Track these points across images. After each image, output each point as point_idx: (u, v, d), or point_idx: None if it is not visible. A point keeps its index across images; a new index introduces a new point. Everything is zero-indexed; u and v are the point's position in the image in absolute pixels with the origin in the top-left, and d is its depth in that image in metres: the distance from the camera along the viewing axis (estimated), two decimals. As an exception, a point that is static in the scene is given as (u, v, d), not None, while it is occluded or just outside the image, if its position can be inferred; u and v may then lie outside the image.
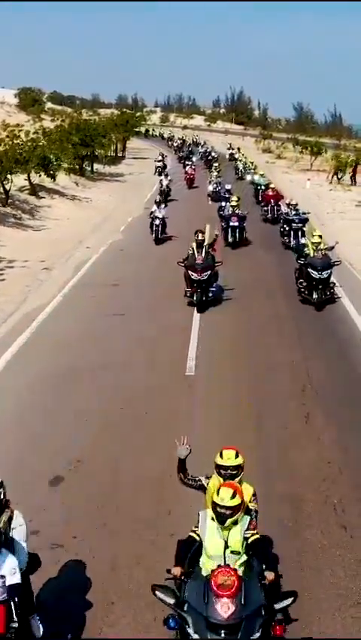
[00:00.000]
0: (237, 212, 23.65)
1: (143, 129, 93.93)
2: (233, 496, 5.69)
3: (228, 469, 6.35)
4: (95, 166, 44.60)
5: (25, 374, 12.30)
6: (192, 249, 16.64)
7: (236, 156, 55.76)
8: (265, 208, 28.51)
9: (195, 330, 14.67)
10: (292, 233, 22.74)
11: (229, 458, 6.39)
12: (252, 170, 41.94)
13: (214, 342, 14.01)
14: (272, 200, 28.02)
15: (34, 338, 14.08)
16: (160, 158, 48.80)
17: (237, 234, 23.31)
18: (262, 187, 32.30)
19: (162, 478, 8.86)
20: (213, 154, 56.18)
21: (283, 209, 25.43)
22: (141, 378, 12.18)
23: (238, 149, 62.28)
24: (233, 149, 61.99)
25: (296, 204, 24.34)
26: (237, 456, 6.41)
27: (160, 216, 24.36)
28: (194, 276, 16.17)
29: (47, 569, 7.18)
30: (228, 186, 30.94)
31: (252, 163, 46.13)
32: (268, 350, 13.57)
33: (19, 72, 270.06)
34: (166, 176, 35.00)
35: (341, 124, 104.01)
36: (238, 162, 48.44)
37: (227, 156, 59.33)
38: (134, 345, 13.78)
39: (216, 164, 43.52)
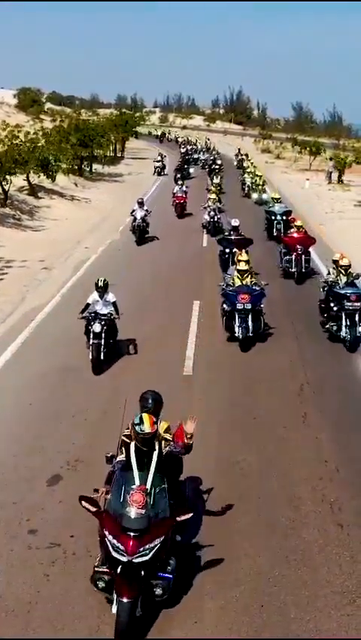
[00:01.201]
0: (248, 283, 14.37)
1: (159, 132, 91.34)
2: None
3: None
4: (94, 166, 44.61)
5: (24, 374, 12.33)
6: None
7: (244, 165, 45.91)
8: (287, 257, 19.04)
9: (194, 330, 14.70)
10: (347, 319, 13.73)
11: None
12: (260, 187, 35.41)
13: (213, 341, 14.04)
14: (299, 247, 18.83)
15: (33, 338, 14.11)
16: (159, 158, 48.81)
17: (249, 326, 13.75)
18: (279, 217, 23.79)
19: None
20: (218, 161, 47.20)
21: (326, 273, 15.88)
22: (139, 378, 12.19)
23: (247, 155, 52.71)
24: (241, 155, 53.01)
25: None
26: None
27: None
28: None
29: (44, 568, 7.23)
30: (235, 222, 20.11)
31: (260, 177, 37.15)
32: (267, 351, 13.62)
33: (18, 72, 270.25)
34: (141, 205, 24.54)
35: (340, 123, 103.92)
36: (246, 175, 38.54)
37: (234, 163, 52.02)
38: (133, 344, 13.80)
39: (218, 180, 35.96)
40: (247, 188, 36.61)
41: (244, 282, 14.26)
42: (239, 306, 13.58)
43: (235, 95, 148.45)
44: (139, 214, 23.77)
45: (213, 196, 26.86)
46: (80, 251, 22.38)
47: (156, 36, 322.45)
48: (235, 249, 17.72)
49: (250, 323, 13.67)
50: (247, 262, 14.74)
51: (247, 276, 14.43)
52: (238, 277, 14.36)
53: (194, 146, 66.70)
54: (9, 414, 10.82)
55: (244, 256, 14.90)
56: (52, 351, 13.46)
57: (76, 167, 39.06)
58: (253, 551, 7.54)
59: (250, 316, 13.68)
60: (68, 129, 40.05)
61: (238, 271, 14.45)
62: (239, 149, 57.89)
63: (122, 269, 19.88)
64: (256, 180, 36.24)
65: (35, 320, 15.12)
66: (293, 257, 18.81)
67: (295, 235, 19.45)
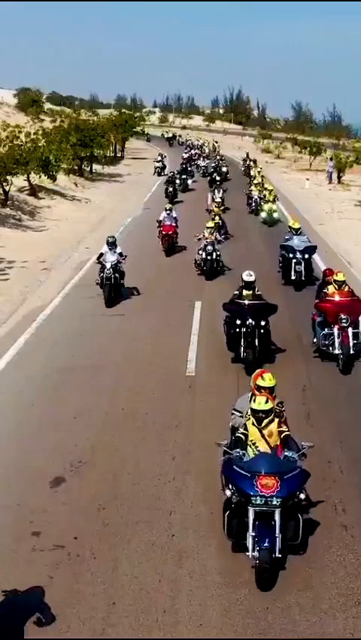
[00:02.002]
0: (273, 443, 7.76)
1: (167, 133, 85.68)
2: (266, 402, 7.61)
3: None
4: (94, 166, 44.60)
5: (25, 374, 12.31)
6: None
7: (251, 173, 38.89)
8: (326, 332, 12.86)
9: (196, 330, 14.68)
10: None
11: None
12: (270, 203, 28.03)
13: (215, 342, 14.02)
14: (344, 317, 12.66)
15: (33, 338, 14.09)
16: (159, 158, 48.78)
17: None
18: (299, 255, 18.05)
19: (163, 479, 8.89)
20: (224, 169, 41.58)
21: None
22: (141, 379, 12.19)
23: (255, 162, 46.20)
24: (249, 160, 46.86)
25: None
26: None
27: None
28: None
29: (48, 570, 7.22)
30: (248, 276, 13.16)
31: (270, 191, 29.66)
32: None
33: (17, 72, 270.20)
34: (113, 247, 16.90)
35: (340, 123, 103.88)
36: (253, 188, 31.78)
37: (241, 168, 47.05)
38: (134, 345, 13.78)
39: (220, 195, 29.19)
40: (254, 204, 30.08)
41: (266, 441, 7.67)
42: (258, 501, 7.06)
43: (234, 94, 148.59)
44: (110, 259, 16.51)
45: (211, 224, 20.60)
46: (80, 251, 22.37)
47: (155, 36, 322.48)
48: (249, 320, 12.36)
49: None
50: (272, 391, 8.08)
51: (269, 422, 7.71)
52: (254, 424, 7.70)
53: (199, 151, 58.03)
54: (11, 415, 10.80)
55: (266, 380, 8.08)
56: (53, 351, 13.44)
57: (76, 168, 39.03)
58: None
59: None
60: (68, 129, 40.02)
61: (255, 414, 7.64)
62: (247, 154, 51.25)
63: (125, 270, 19.83)
64: (265, 195, 29.29)
65: (36, 321, 15.10)
66: (336, 332, 12.62)
67: (337, 298, 13.00)
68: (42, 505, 8.34)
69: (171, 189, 32.93)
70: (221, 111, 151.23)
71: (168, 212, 22.55)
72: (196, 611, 6.67)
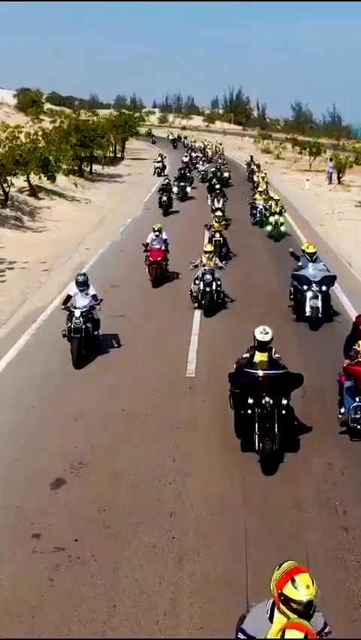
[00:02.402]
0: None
1: (172, 135, 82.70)
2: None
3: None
4: (94, 167, 44.60)
5: (26, 375, 12.30)
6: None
7: (254, 178, 35.88)
8: (358, 402, 9.85)
9: (196, 331, 14.68)
10: None
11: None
12: (276, 215, 24.68)
13: (215, 343, 14.03)
14: None
15: (34, 339, 14.09)
16: (159, 159, 48.75)
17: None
18: (315, 287, 14.99)
19: (163, 480, 8.88)
20: (225, 174, 38.41)
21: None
22: (141, 380, 12.18)
23: (259, 166, 42.14)
24: (253, 164, 43.63)
25: None
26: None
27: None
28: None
29: (49, 572, 7.21)
30: (263, 334, 9.84)
31: (276, 201, 25.39)
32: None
33: (17, 72, 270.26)
34: (83, 288, 13.16)
35: (340, 124, 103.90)
36: (257, 196, 28.15)
37: (246, 172, 43.72)
38: (134, 346, 13.77)
39: (220, 205, 26.27)
40: (258, 214, 26.77)
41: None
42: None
43: (234, 95, 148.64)
44: (80, 304, 12.91)
45: (210, 248, 17.26)
46: (80, 252, 22.37)
47: (155, 36, 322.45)
48: (266, 399, 9.19)
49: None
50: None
51: None
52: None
53: (201, 154, 53.95)
54: (11, 416, 10.79)
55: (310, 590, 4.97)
56: (53, 352, 13.42)
57: (76, 168, 39.03)
58: (257, 555, 7.50)
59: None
60: (68, 130, 40.02)
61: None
62: (251, 157, 47.65)
63: (122, 270, 19.84)
64: (270, 205, 25.29)
65: (37, 321, 15.10)
66: None
67: None
68: (42, 506, 8.33)
69: (165, 198, 28.98)
70: (221, 111, 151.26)
71: (156, 233, 18.72)
72: (197, 613, 6.67)
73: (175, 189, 32.22)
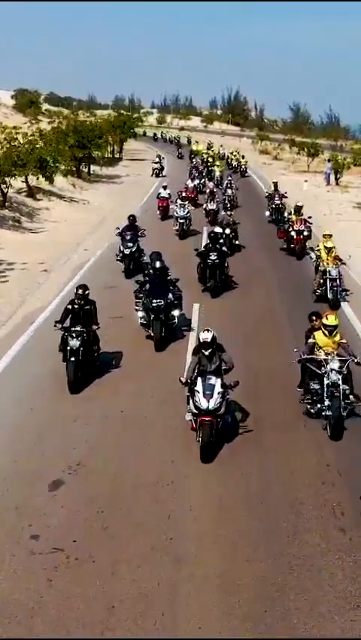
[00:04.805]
0: None
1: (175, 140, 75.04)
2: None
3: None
4: (92, 168, 44.60)
5: (25, 377, 12.32)
6: None
7: (291, 232, 22.10)
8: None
9: (195, 331, 14.69)
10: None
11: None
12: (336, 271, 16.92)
13: (214, 309, 14.06)
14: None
15: (33, 341, 14.10)
16: (157, 160, 48.75)
17: None
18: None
19: (161, 482, 8.91)
20: (230, 199, 29.87)
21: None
22: (140, 382, 12.21)
23: (281, 196, 28.35)
24: (279, 196, 28.21)
25: None
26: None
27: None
28: None
29: (47, 573, 7.23)
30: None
31: (331, 251, 17.41)
32: (268, 354, 13.63)
33: (15, 73, 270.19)
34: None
35: (337, 125, 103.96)
36: (322, 267, 17.32)
37: (267, 213, 27.95)
38: (132, 347, 13.79)
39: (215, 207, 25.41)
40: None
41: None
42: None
43: (232, 95, 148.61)
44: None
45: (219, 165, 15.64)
46: (79, 253, 22.38)
47: (154, 36, 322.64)
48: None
49: None
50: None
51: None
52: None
53: (211, 183, 33.72)
54: (10, 418, 10.81)
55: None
56: (52, 354, 13.37)
57: (74, 169, 39.04)
58: (255, 557, 7.55)
59: None
60: (66, 130, 40.02)
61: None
62: (275, 184, 29.88)
63: (120, 271, 19.84)
64: (321, 255, 17.67)
65: (35, 323, 15.11)
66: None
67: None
68: (41, 508, 8.35)
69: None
70: (219, 112, 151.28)
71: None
72: (195, 614, 6.70)
73: (177, 226, 25.53)
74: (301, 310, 14.40)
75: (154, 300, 13.85)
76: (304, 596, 6.96)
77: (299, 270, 20.92)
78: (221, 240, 18.87)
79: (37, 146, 29.69)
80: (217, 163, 43.14)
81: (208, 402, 9.52)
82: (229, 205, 25.61)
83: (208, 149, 55.89)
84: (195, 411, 9.66)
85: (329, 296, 16.77)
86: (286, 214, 24.93)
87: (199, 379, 9.81)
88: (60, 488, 8.80)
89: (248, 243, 23.67)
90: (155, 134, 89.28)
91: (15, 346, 13.69)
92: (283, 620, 6.65)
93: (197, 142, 66.88)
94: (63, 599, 6.86)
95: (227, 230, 21.56)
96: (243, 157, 50.40)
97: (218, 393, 9.64)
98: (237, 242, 22.71)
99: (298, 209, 22.62)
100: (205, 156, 49.09)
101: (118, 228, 20.25)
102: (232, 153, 54.47)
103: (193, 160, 50.24)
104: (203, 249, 18.51)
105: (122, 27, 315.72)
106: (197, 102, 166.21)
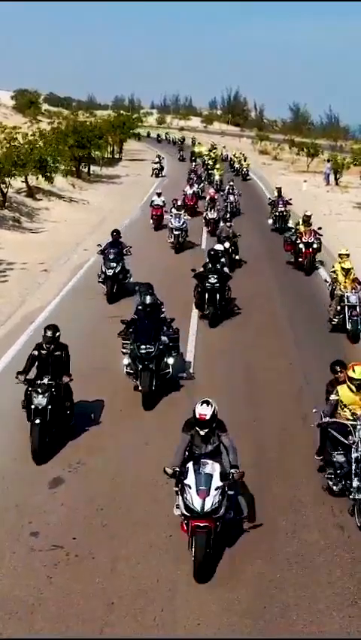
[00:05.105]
0: None
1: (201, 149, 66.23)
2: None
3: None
4: (92, 168, 44.65)
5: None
6: None
7: (281, 211, 26.01)
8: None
9: (193, 331, 14.75)
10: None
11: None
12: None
13: (212, 343, 14.09)
14: None
15: (33, 340, 14.06)
16: (157, 160, 48.82)
17: None
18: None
19: (160, 480, 8.93)
20: (232, 206, 28.36)
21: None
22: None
23: (288, 202, 26.78)
24: (284, 204, 26.47)
25: None
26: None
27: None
28: None
29: (47, 570, 7.27)
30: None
31: (350, 272, 15.41)
32: (267, 354, 13.66)
33: (15, 73, 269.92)
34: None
35: (337, 125, 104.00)
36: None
37: (270, 223, 26.67)
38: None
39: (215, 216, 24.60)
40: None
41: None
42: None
43: (231, 96, 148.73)
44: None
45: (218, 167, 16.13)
46: (79, 253, 22.42)
47: (153, 36, 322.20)
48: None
49: None
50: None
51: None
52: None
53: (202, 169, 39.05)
54: (10, 417, 10.83)
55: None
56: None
57: (74, 169, 39.09)
58: (255, 554, 7.59)
59: None
60: (66, 130, 40.07)
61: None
62: (279, 189, 27.83)
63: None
64: (339, 281, 15.61)
65: (35, 322, 15.15)
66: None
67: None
68: (41, 505, 8.40)
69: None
70: (219, 112, 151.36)
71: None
72: (194, 610, 6.75)
73: (172, 239, 23.15)
74: (315, 345, 13.01)
75: (142, 347, 11.15)
76: (303, 593, 7.00)
77: (309, 288, 18.82)
78: (223, 259, 16.84)
79: (37, 146, 29.74)
80: (217, 166, 40.60)
81: (204, 501, 7.19)
82: (228, 216, 22.59)
83: (211, 150, 53.18)
84: (185, 512, 7.32)
85: (348, 327, 14.55)
86: (292, 223, 23.53)
87: (191, 468, 7.50)
88: (60, 486, 8.84)
89: (250, 255, 21.62)
90: (159, 136, 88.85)
91: (15, 346, 13.72)
92: (282, 616, 6.69)
93: (199, 143, 66.16)
94: (63, 595, 6.90)
95: (226, 244, 19.70)
96: (245, 159, 48.53)
97: (216, 488, 7.30)
98: (237, 257, 20.69)
99: (307, 219, 20.97)
100: (206, 158, 46.57)
101: (100, 245, 17.95)
102: (235, 155, 52.73)
103: (194, 162, 47.63)
104: (202, 268, 16.10)
105: (122, 27, 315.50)
106: (197, 102, 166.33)
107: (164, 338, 11.66)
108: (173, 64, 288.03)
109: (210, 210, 25.99)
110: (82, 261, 21.05)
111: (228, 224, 21.40)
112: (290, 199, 27.26)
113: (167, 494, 8.62)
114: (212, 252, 16.55)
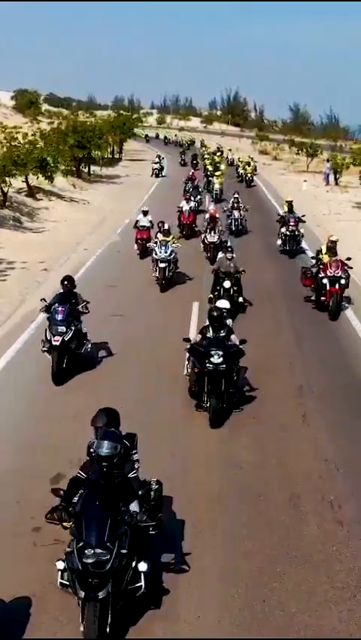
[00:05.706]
0: None
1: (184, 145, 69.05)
2: None
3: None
4: (92, 168, 44.72)
5: (25, 375, 12.42)
6: None
7: (292, 230, 22.11)
8: None
9: (194, 330, 14.79)
10: None
11: None
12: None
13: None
14: None
15: (33, 339, 14.17)
16: (157, 160, 48.91)
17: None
18: None
19: (161, 476, 8.97)
20: (237, 224, 25.42)
21: None
22: (139, 379, 12.30)
23: (300, 219, 22.89)
24: (293, 217, 22.54)
25: None
26: None
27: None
28: None
29: (49, 565, 7.32)
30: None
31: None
32: (266, 352, 13.71)
33: (15, 74, 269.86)
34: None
35: (337, 125, 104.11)
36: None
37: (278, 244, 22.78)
38: (132, 345, 13.90)
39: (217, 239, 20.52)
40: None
41: None
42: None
43: (231, 96, 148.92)
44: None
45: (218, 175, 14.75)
46: (79, 252, 22.51)
47: (153, 36, 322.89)
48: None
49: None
50: None
51: None
52: None
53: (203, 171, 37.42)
54: (11, 414, 10.92)
55: None
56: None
57: (74, 169, 39.17)
58: (254, 549, 7.66)
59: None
60: (66, 130, 40.16)
61: None
62: (290, 203, 23.94)
63: (120, 271, 19.97)
64: None
65: (36, 321, 15.20)
66: None
67: None
68: (42, 501, 8.43)
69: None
70: (219, 113, 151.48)
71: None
72: (195, 604, 6.81)
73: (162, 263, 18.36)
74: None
75: (87, 550, 6.15)
76: (302, 587, 7.07)
77: (338, 344, 14.39)
78: (229, 322, 11.86)
79: (38, 146, 29.82)
80: (217, 173, 36.06)
81: None
82: (229, 243, 18.73)
83: (215, 153, 49.80)
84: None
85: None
86: (305, 244, 20.52)
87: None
88: (62, 482, 8.85)
89: (258, 291, 17.52)
90: (166, 137, 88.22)
91: (16, 344, 13.79)
92: (281, 609, 6.76)
93: (205, 146, 65.80)
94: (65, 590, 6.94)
95: (227, 284, 15.94)
96: (249, 164, 44.11)
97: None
98: (240, 299, 16.15)
99: (332, 246, 16.88)
100: (207, 162, 42.00)
101: (44, 300, 12.87)
102: (239, 159, 48.37)
103: (196, 166, 42.19)
104: (199, 335, 11.55)
105: (122, 27, 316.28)
106: (197, 103, 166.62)
107: (124, 528, 6.37)
108: (173, 65, 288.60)
109: (210, 232, 21.10)
110: (82, 261, 21.14)
111: (228, 255, 16.60)
112: (303, 215, 23.17)
113: (168, 489, 8.66)
114: (214, 313, 11.37)
